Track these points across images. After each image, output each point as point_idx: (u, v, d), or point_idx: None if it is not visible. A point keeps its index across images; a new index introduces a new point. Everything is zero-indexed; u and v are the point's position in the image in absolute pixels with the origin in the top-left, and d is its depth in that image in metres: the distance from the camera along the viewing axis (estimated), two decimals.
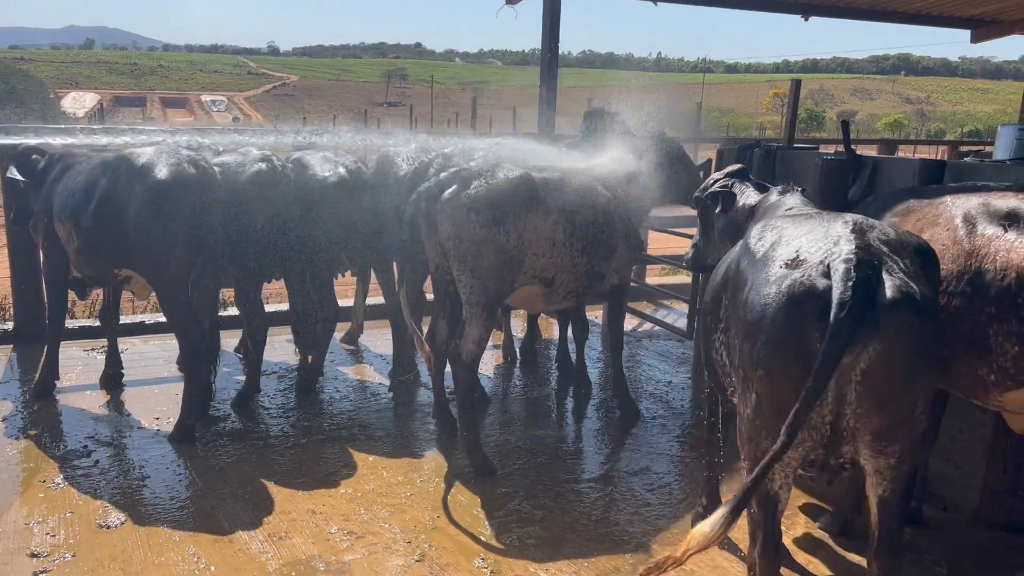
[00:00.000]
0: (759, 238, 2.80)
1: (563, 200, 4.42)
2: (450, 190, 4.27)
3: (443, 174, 4.40)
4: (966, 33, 10.07)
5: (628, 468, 4.54)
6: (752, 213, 3.56)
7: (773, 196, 3.49)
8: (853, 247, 2.45)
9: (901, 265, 2.51)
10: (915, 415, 2.55)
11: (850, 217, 2.67)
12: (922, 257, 2.69)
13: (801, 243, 2.60)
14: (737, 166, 3.97)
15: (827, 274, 2.43)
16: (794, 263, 2.52)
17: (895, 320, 2.37)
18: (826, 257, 2.47)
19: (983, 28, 9.91)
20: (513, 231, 4.24)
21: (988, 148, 7.63)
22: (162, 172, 4.34)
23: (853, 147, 4.66)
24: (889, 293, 2.38)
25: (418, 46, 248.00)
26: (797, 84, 5.64)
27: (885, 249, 2.53)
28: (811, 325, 2.42)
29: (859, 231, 2.55)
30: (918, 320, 2.41)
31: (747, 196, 3.70)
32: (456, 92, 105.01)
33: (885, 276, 2.42)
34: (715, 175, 4.00)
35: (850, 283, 2.35)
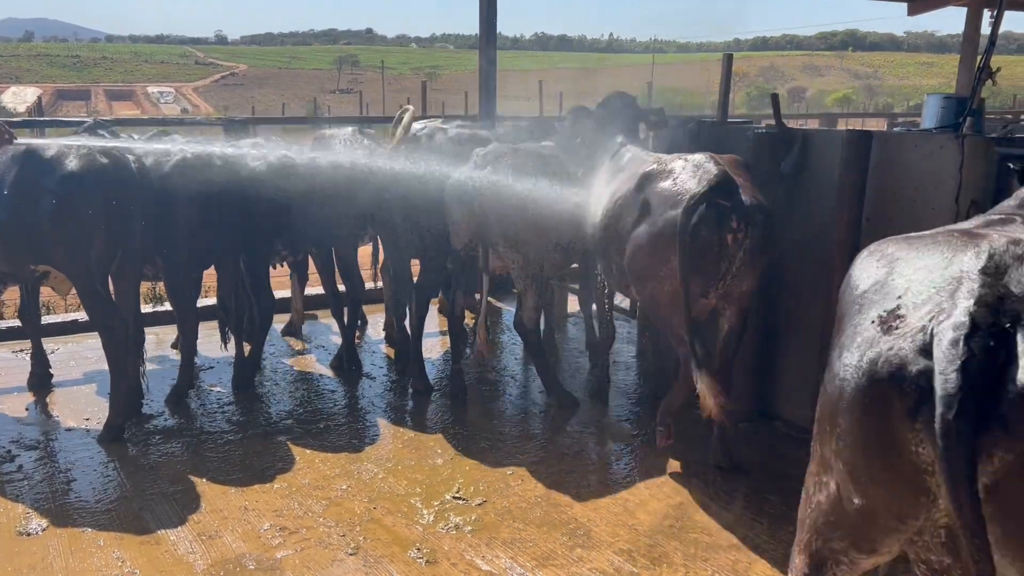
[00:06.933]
0: (877, 263, 1.92)
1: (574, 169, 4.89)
2: (492, 169, 4.62)
3: (479, 155, 4.74)
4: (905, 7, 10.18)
5: (569, 449, 4.50)
6: None
7: None
8: (972, 303, 1.59)
9: None
10: None
11: (997, 237, 1.74)
12: None
13: (910, 283, 1.76)
14: None
15: (927, 347, 1.61)
16: (889, 321, 1.72)
17: None
18: (932, 316, 1.64)
19: (919, 1, 10.02)
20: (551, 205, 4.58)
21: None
22: (72, 164, 4.18)
23: (785, 121, 4.68)
24: (1021, 376, 1.52)
25: (369, 32, 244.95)
26: (729, 59, 5.65)
27: None
28: (899, 421, 1.65)
29: (995, 268, 1.64)
30: None
31: None
32: (409, 77, 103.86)
33: (1021, 345, 1.55)
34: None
35: (958, 365, 1.54)
